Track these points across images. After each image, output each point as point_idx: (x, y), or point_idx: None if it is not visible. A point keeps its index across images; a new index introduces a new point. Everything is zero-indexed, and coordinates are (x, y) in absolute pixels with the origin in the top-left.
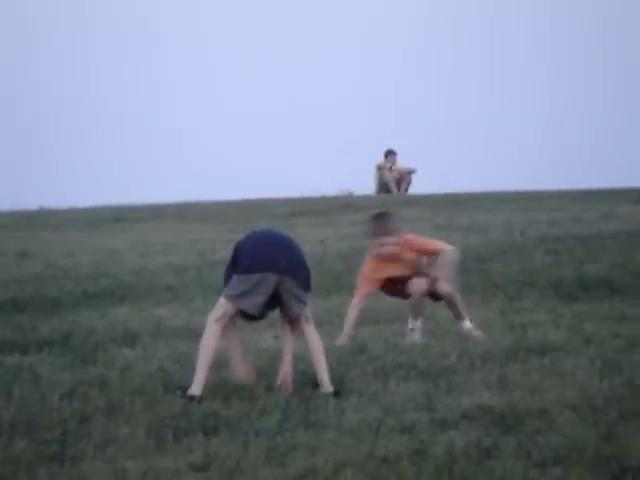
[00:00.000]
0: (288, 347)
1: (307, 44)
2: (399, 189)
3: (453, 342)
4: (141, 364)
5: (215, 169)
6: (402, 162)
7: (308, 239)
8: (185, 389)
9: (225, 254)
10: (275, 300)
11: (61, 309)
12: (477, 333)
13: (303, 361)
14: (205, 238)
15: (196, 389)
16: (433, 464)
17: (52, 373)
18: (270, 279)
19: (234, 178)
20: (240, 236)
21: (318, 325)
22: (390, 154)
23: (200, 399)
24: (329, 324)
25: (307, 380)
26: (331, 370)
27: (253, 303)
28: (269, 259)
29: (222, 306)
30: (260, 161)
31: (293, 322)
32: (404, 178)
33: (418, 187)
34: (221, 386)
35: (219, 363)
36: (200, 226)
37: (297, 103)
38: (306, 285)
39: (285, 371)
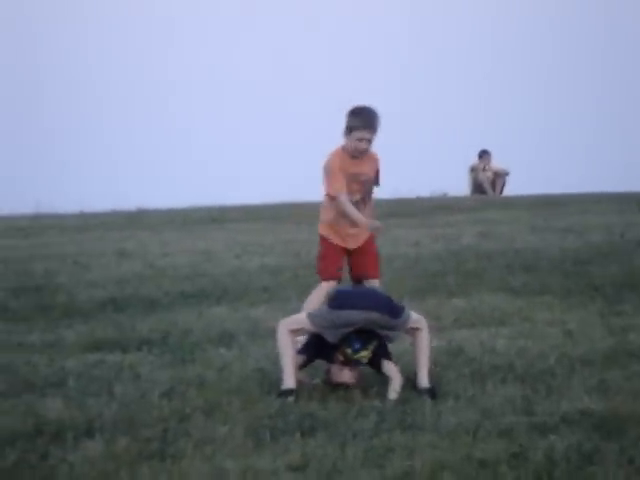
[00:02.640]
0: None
1: (409, 45)
2: (494, 190)
3: (551, 344)
4: (238, 364)
5: (310, 170)
6: (496, 162)
7: (402, 240)
8: (280, 390)
9: None
10: (369, 332)
11: (159, 309)
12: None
13: (399, 363)
14: (300, 239)
15: (288, 382)
16: (532, 469)
17: (152, 372)
18: (356, 316)
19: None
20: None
21: None
22: (484, 154)
23: (295, 392)
24: None
25: (404, 383)
26: (428, 372)
27: (334, 334)
28: (356, 298)
29: (301, 322)
30: None
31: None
32: (499, 179)
33: (513, 188)
34: (318, 388)
35: (314, 367)
36: (295, 227)
37: (391, 104)
38: (394, 312)
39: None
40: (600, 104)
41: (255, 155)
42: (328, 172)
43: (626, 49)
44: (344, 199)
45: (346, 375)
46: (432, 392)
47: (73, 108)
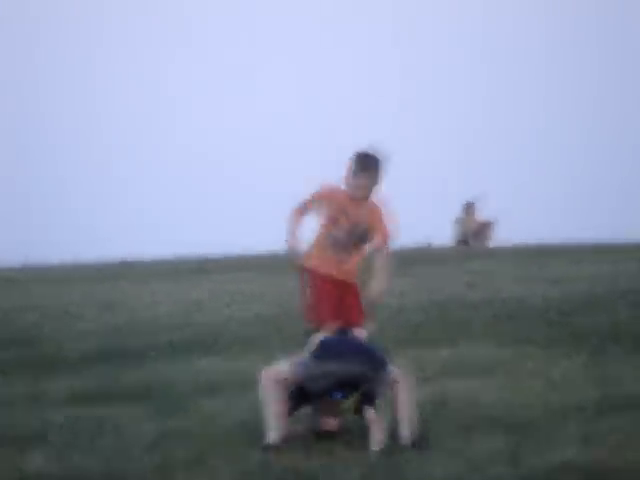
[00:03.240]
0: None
1: (393, 93)
2: (479, 241)
3: (536, 395)
4: (224, 417)
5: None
6: (481, 214)
7: (386, 290)
8: (263, 444)
9: None
10: (351, 386)
11: (145, 360)
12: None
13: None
14: (287, 289)
15: (272, 437)
16: None
17: (135, 425)
18: (340, 368)
19: (314, 228)
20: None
21: None
22: (469, 206)
23: (276, 448)
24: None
25: (389, 435)
26: (410, 425)
27: (317, 385)
28: (340, 351)
29: (284, 372)
30: None
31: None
32: (483, 230)
33: (502, 239)
34: (302, 439)
35: (296, 418)
36: (282, 277)
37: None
38: (377, 366)
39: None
40: (585, 150)
41: (240, 205)
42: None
43: (610, 94)
44: (294, 212)
45: (331, 423)
46: (414, 446)
47: (58, 160)
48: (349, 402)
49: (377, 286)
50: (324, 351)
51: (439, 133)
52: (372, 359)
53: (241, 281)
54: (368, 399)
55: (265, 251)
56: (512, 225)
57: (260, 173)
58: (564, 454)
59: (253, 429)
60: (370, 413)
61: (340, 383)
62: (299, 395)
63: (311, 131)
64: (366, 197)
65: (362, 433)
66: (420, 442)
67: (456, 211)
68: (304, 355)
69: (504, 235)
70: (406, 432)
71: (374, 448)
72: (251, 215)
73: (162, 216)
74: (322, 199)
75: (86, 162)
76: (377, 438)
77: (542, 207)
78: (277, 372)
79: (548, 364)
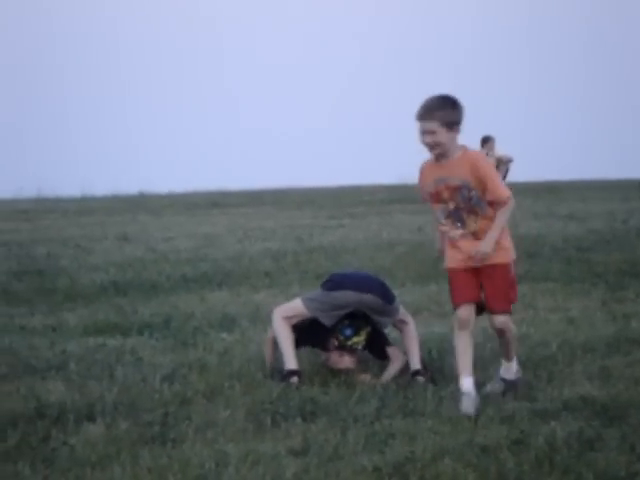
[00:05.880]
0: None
1: (410, 30)
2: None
3: (553, 331)
4: (240, 349)
5: (311, 155)
6: (500, 149)
7: (405, 226)
8: (282, 373)
9: (322, 240)
10: (362, 318)
11: (161, 293)
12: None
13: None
14: (302, 224)
15: (290, 364)
16: (534, 454)
17: (153, 356)
18: (350, 297)
19: (330, 164)
20: (335, 222)
21: (416, 312)
22: (488, 140)
23: (298, 373)
24: (427, 311)
25: (405, 368)
26: (429, 359)
27: (330, 316)
28: (350, 280)
29: (295, 309)
30: (356, 147)
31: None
32: (502, 165)
33: (516, 175)
34: (318, 373)
35: (315, 352)
36: (297, 212)
37: (395, 91)
38: (387, 297)
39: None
40: (602, 90)
41: (256, 140)
42: None
43: (626, 42)
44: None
45: (347, 361)
46: (425, 371)
47: (75, 92)
48: (359, 339)
49: (481, 245)
50: (336, 282)
51: (458, 70)
52: (383, 290)
53: (256, 216)
54: (383, 338)
55: (280, 186)
56: (525, 162)
57: (277, 109)
58: (581, 389)
59: None
60: (393, 351)
61: (352, 314)
62: (311, 338)
63: (321, 74)
64: (439, 144)
65: (379, 366)
66: (428, 369)
67: (474, 146)
68: (315, 291)
69: (519, 171)
70: (419, 366)
71: (383, 380)
72: (267, 151)
73: (179, 149)
74: (422, 186)
75: (104, 94)
76: (390, 371)
77: (553, 145)
78: (289, 308)
79: (566, 300)
